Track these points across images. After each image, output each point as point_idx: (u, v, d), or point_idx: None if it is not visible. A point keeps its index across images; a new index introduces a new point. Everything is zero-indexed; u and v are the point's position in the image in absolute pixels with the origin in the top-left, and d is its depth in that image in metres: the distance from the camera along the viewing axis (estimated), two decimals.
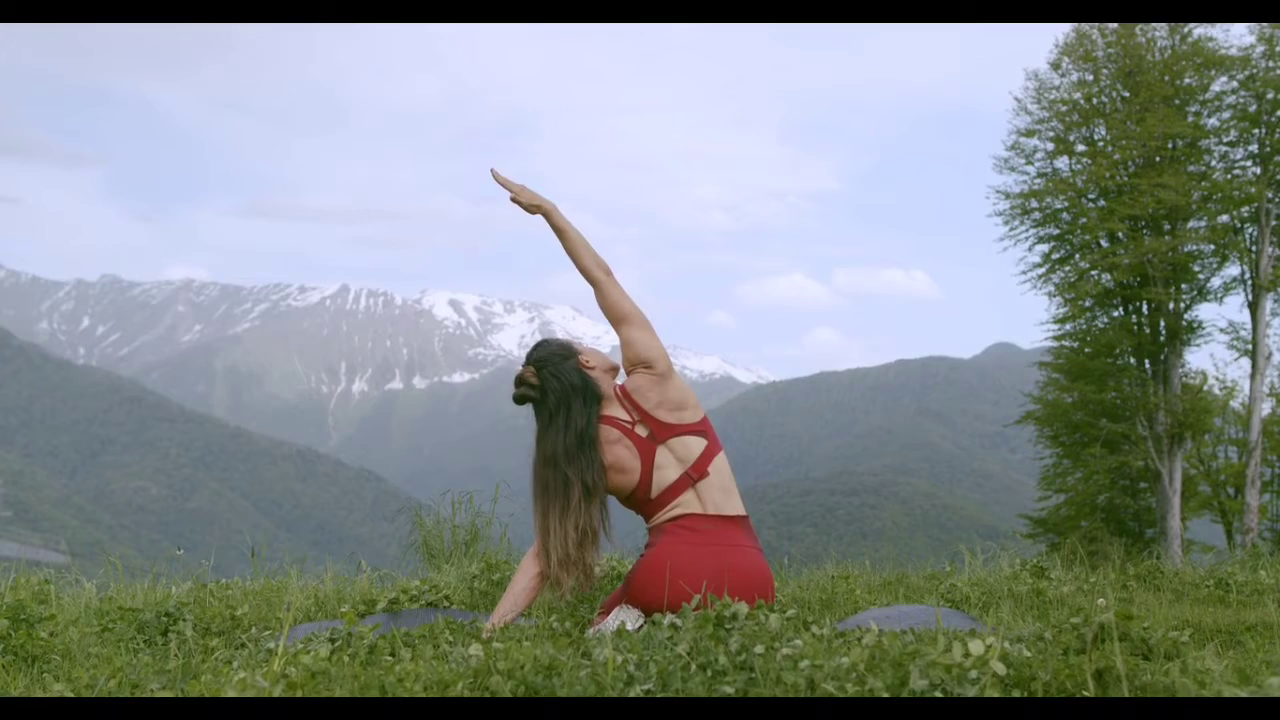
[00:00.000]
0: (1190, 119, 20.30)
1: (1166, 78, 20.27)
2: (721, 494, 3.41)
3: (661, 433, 3.44)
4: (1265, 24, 19.63)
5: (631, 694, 2.01)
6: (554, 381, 3.46)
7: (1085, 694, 1.94)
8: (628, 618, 3.29)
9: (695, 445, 3.44)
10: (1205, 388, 20.77)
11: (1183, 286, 20.48)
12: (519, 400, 3.52)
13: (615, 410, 3.48)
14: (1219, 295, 20.66)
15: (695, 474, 3.41)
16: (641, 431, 3.45)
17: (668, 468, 3.42)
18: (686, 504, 3.39)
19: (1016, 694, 1.94)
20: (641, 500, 3.45)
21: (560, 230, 3.61)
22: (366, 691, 2.07)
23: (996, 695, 1.88)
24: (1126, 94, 20.69)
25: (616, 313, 3.55)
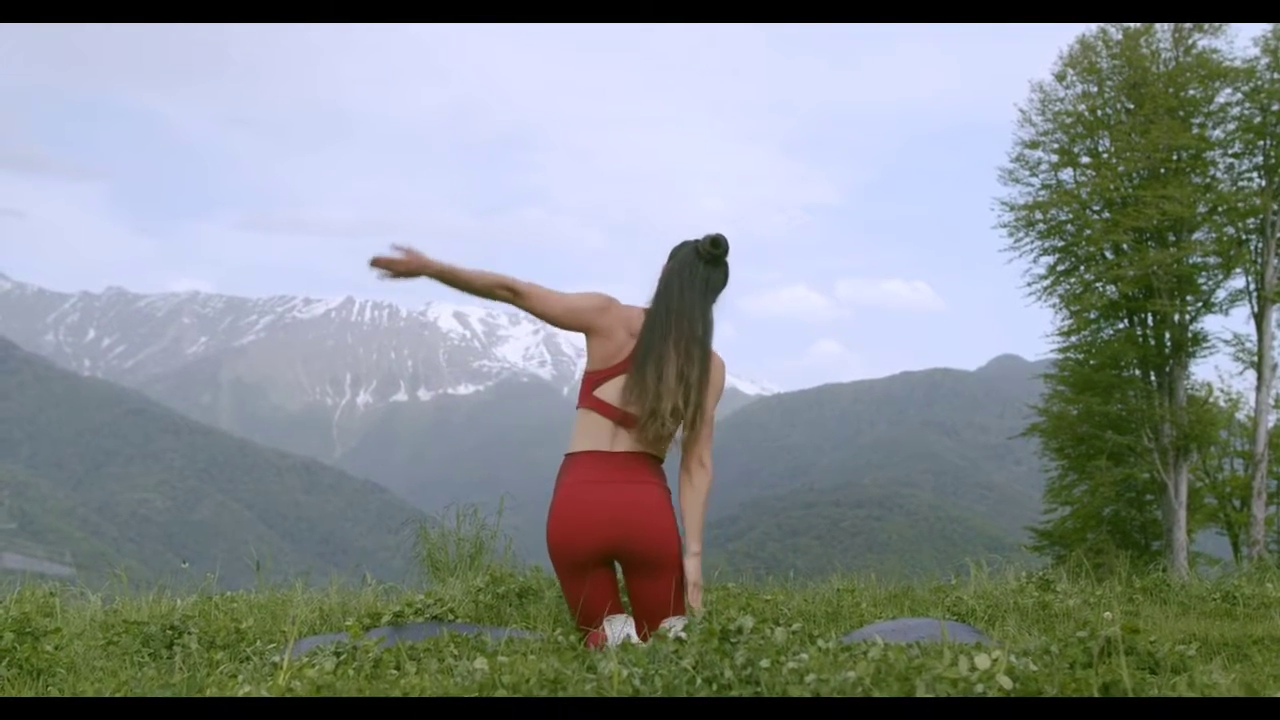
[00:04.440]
0: (1195, 131, 20.29)
1: (1171, 89, 20.27)
2: (638, 443, 3.49)
3: None
4: (1271, 36, 19.65)
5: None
6: (727, 269, 3.64)
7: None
8: (625, 629, 3.30)
9: None
10: (1210, 400, 20.72)
11: (1188, 298, 20.44)
12: (721, 245, 3.59)
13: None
14: (1224, 307, 20.64)
15: (630, 424, 3.47)
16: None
17: (617, 391, 3.50)
18: (600, 439, 3.47)
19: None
20: (590, 381, 3.53)
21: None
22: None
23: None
24: (1131, 106, 20.70)
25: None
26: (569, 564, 3.43)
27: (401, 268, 3.43)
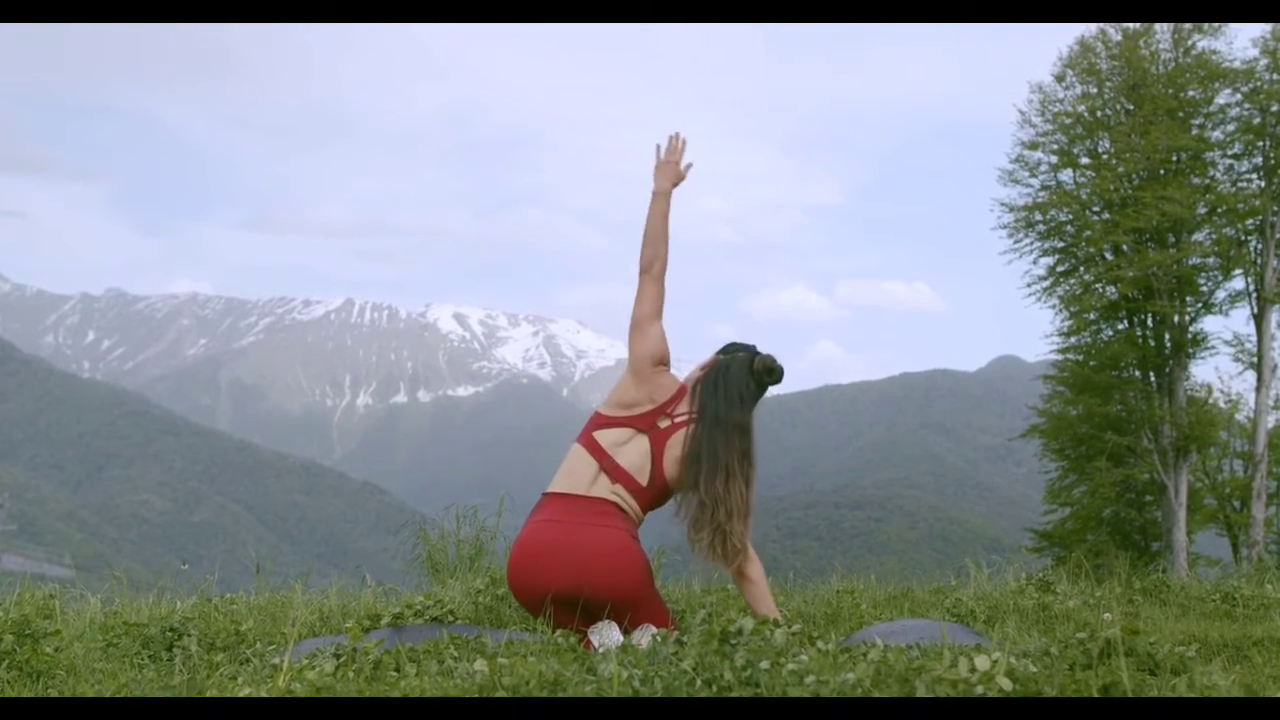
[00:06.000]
0: (1194, 132, 20.30)
1: (1170, 90, 20.28)
2: (613, 494, 3.49)
3: (663, 434, 3.54)
4: (1270, 37, 19.65)
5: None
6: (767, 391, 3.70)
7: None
8: (612, 634, 3.30)
9: (643, 462, 3.52)
10: (1210, 400, 20.71)
11: (1187, 299, 20.46)
12: (776, 374, 3.64)
13: (681, 405, 3.60)
14: (1224, 308, 20.65)
15: (615, 475, 3.47)
16: (663, 424, 3.56)
17: (622, 446, 3.51)
18: (578, 482, 3.47)
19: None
20: (595, 422, 3.57)
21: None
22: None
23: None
24: (1130, 107, 20.71)
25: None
26: (530, 603, 3.43)
27: (675, 158, 3.84)
